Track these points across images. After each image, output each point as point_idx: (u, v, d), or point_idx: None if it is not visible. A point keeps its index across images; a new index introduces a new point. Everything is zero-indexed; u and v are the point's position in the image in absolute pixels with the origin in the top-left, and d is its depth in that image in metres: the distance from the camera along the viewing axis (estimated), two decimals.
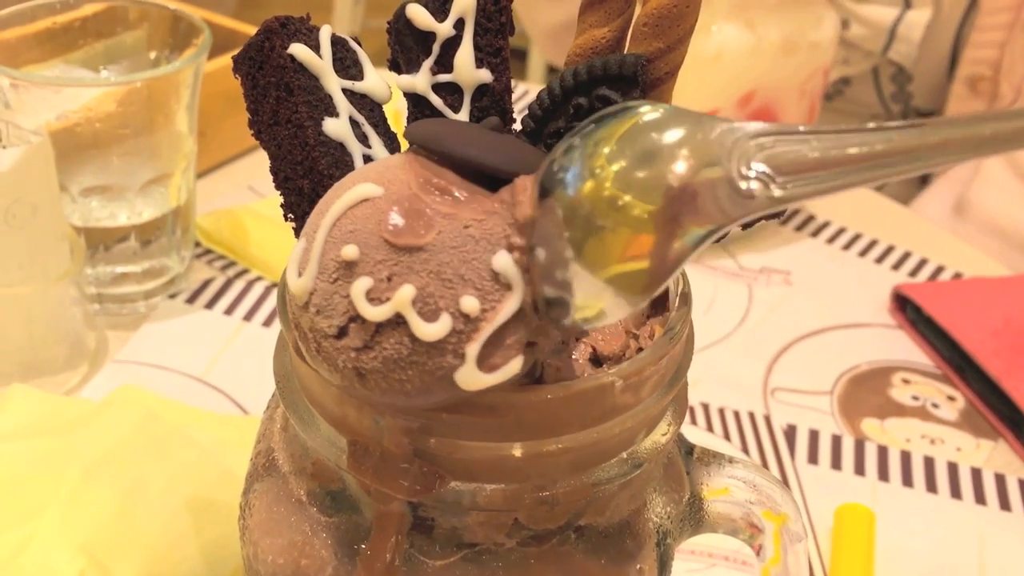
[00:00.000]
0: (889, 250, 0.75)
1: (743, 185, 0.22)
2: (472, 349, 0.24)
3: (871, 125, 0.21)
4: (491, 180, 0.26)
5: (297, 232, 0.30)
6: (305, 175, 0.29)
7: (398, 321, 0.24)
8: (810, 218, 0.78)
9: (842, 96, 0.98)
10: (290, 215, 0.30)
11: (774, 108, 0.69)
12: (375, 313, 0.24)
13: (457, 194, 0.25)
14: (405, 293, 0.24)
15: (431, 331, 0.24)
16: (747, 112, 0.68)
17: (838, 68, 0.94)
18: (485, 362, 0.24)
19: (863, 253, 0.75)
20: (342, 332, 0.25)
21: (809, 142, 0.21)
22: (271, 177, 0.30)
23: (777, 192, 0.21)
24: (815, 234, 0.76)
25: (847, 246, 0.75)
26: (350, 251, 0.24)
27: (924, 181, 1.01)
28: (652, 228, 0.22)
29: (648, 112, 0.24)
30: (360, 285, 0.24)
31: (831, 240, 0.76)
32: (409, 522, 0.28)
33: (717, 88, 0.66)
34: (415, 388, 0.25)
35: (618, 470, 0.28)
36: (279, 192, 0.30)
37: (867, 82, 0.97)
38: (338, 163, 0.29)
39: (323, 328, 0.25)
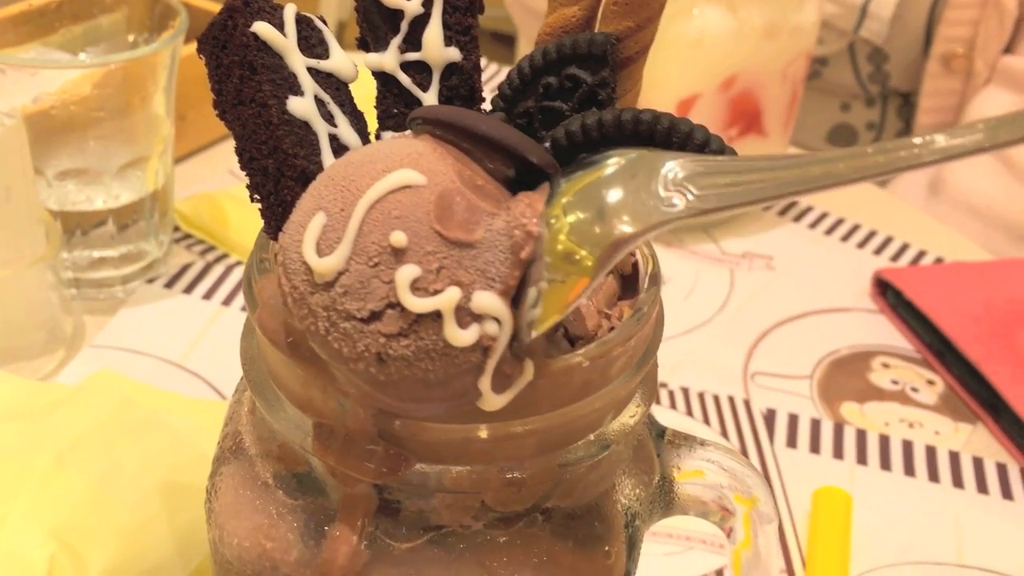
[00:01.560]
0: (871, 235, 0.75)
1: (663, 194, 0.25)
2: (490, 364, 0.24)
3: (780, 155, 0.25)
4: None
5: (264, 213, 0.30)
6: (270, 155, 0.29)
7: (438, 314, 0.24)
8: (792, 202, 0.78)
9: (819, 77, 0.98)
10: (256, 196, 0.30)
11: (756, 92, 0.68)
12: (417, 304, 0.24)
13: (494, 192, 0.25)
14: (451, 295, 0.24)
15: (463, 337, 0.24)
16: (729, 96, 0.67)
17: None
18: (499, 375, 0.25)
19: (845, 238, 0.75)
20: (374, 316, 0.24)
21: (723, 166, 0.25)
22: (236, 158, 0.30)
23: (696, 203, 0.25)
24: (798, 219, 0.76)
25: (830, 231, 0.75)
26: (399, 237, 0.24)
27: None
28: (592, 273, 0.25)
29: (610, 166, 0.26)
30: (407, 273, 0.24)
31: (813, 225, 0.76)
32: (375, 505, 0.28)
33: (699, 72, 0.66)
34: (436, 378, 0.24)
35: (586, 452, 0.28)
36: (244, 173, 0.30)
37: (844, 62, 0.96)
38: (303, 142, 0.28)
39: (350, 310, 0.24)
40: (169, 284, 0.64)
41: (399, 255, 0.24)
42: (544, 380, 0.26)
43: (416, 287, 0.24)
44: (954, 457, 0.57)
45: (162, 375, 0.57)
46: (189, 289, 0.64)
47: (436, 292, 0.24)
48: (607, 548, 0.30)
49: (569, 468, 0.28)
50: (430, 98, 0.31)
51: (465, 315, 0.24)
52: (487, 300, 0.24)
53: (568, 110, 0.30)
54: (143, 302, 0.62)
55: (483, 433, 0.26)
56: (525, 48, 1.80)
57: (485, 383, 0.25)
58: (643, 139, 0.26)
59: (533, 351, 0.26)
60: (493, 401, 0.25)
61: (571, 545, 0.29)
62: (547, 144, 0.28)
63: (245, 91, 0.29)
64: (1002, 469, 0.57)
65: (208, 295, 0.63)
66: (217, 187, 0.71)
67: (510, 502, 0.28)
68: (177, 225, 0.67)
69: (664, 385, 0.60)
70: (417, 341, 0.24)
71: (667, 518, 0.33)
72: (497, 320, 0.24)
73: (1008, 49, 0.92)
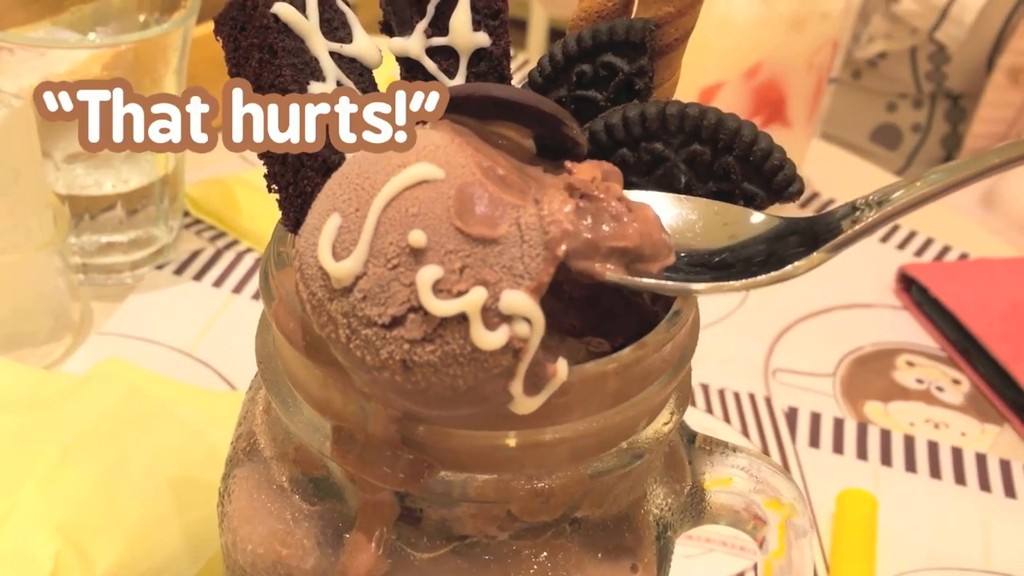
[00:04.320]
0: (895, 229, 0.73)
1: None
2: (521, 367, 0.23)
3: None
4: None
5: (282, 204, 0.29)
6: None
7: (464, 317, 0.23)
8: (814, 195, 0.76)
9: (875, 69, 0.96)
10: (274, 186, 0.28)
11: (780, 81, 0.67)
12: (441, 307, 0.22)
13: (518, 180, 0.24)
14: (476, 296, 0.22)
15: (491, 340, 0.22)
16: (753, 84, 0.66)
17: (879, 42, 0.92)
18: (532, 377, 0.23)
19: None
20: (396, 322, 0.23)
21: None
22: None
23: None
24: (819, 211, 0.74)
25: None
26: (418, 237, 0.23)
27: None
28: None
29: None
30: (428, 274, 0.22)
31: None
32: (396, 512, 0.27)
33: (724, 60, 0.65)
34: (466, 384, 0.23)
35: (617, 461, 0.27)
36: (262, 162, 0.28)
37: (903, 59, 0.95)
38: None
39: (370, 316, 0.23)
40: (179, 271, 0.62)
41: (419, 255, 0.23)
42: (576, 385, 0.25)
43: (439, 289, 0.22)
44: (981, 459, 0.56)
45: (171, 364, 0.56)
46: (199, 276, 0.62)
47: (460, 293, 0.22)
48: (637, 560, 0.28)
49: (600, 478, 0.27)
50: (456, 85, 0.29)
51: (493, 316, 0.23)
52: (516, 299, 0.23)
53: (603, 100, 0.28)
54: (152, 289, 0.61)
55: (511, 441, 0.25)
56: (536, 32, 1.78)
57: (517, 386, 0.23)
58: (688, 135, 0.25)
59: (565, 352, 0.25)
60: (525, 404, 0.24)
61: (600, 557, 0.28)
62: (585, 137, 0.26)
63: (264, 76, 0.27)
64: None
65: (218, 282, 0.62)
66: (229, 172, 0.69)
67: (537, 512, 0.27)
68: (187, 210, 0.66)
69: None
70: (443, 346, 0.22)
71: (697, 527, 0.32)
72: (527, 320, 0.23)
73: None
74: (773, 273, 0.25)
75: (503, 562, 0.27)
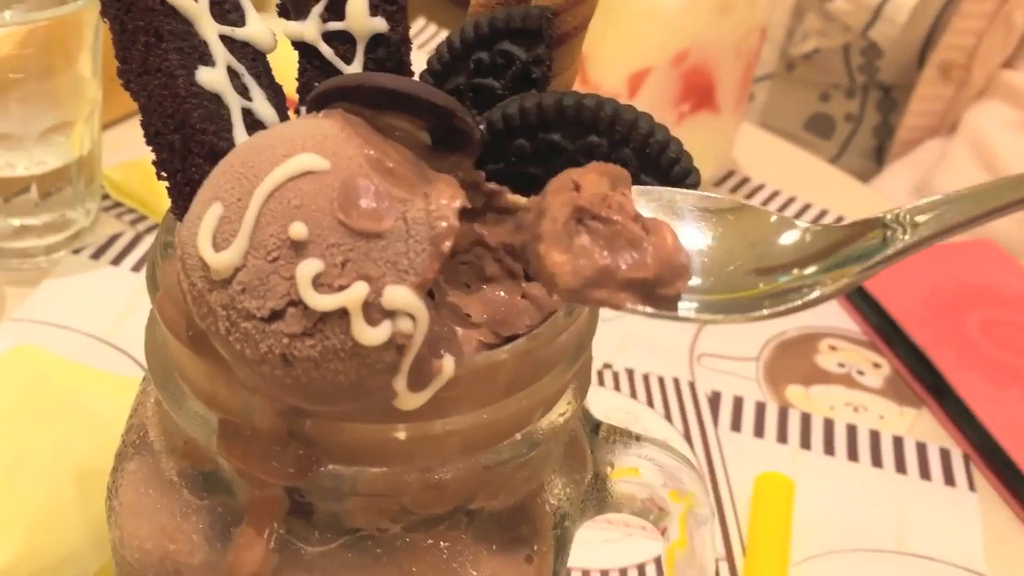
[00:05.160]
0: (822, 214, 0.74)
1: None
2: (405, 363, 0.22)
3: None
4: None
5: (171, 192, 0.28)
6: (176, 129, 0.26)
7: (345, 312, 0.22)
8: (744, 180, 0.76)
9: (808, 61, 0.97)
10: (163, 173, 0.28)
11: (708, 67, 0.67)
12: (321, 302, 0.22)
13: (407, 174, 0.23)
14: (358, 290, 0.22)
15: (373, 336, 0.22)
16: (681, 71, 0.66)
17: (813, 39, 0.94)
18: (416, 374, 0.23)
19: (796, 217, 0.74)
20: (275, 315, 0.22)
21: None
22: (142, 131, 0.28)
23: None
24: (748, 197, 0.75)
25: (780, 210, 0.74)
26: (299, 229, 0.22)
27: (879, 162, 1.01)
28: None
29: None
30: (308, 268, 0.22)
31: (766, 203, 0.75)
32: (285, 507, 0.26)
33: (650, 45, 0.64)
34: (347, 380, 0.22)
35: (512, 452, 0.27)
36: (150, 148, 0.28)
37: (836, 53, 0.96)
38: (212, 116, 0.26)
39: (249, 309, 0.22)
40: (96, 255, 0.61)
41: (299, 248, 0.22)
42: (466, 378, 0.24)
43: (319, 283, 0.22)
44: (898, 442, 0.57)
45: (86, 351, 0.55)
46: (117, 260, 0.61)
47: (341, 288, 0.22)
48: (533, 551, 0.28)
49: (494, 469, 0.26)
50: (353, 71, 0.29)
51: (375, 312, 0.22)
52: (399, 295, 0.22)
53: (500, 88, 0.28)
54: (68, 273, 0.60)
55: (401, 434, 0.25)
56: None
57: (400, 383, 0.23)
58: (585, 126, 0.24)
59: (453, 346, 0.24)
60: (410, 400, 0.23)
61: (495, 548, 0.28)
62: (482, 127, 0.26)
63: (151, 60, 0.26)
64: (945, 455, 0.56)
65: (137, 267, 0.61)
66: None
67: (430, 504, 0.26)
68: (107, 193, 0.64)
69: (609, 366, 0.59)
70: (323, 341, 0.22)
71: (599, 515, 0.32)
72: (411, 316, 0.22)
73: (1007, 64, 0.92)
74: (800, 301, 0.23)
75: (396, 555, 0.27)
